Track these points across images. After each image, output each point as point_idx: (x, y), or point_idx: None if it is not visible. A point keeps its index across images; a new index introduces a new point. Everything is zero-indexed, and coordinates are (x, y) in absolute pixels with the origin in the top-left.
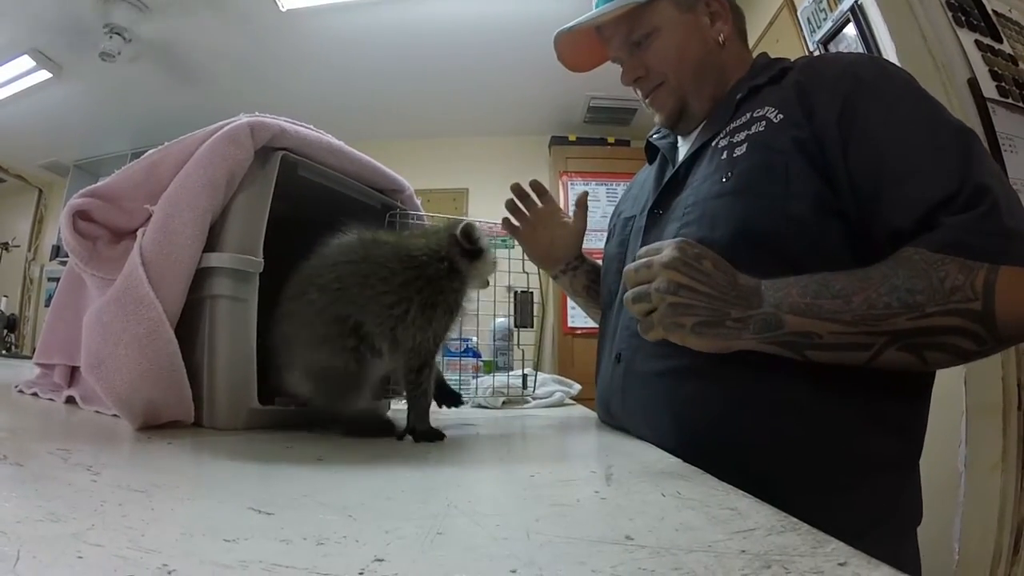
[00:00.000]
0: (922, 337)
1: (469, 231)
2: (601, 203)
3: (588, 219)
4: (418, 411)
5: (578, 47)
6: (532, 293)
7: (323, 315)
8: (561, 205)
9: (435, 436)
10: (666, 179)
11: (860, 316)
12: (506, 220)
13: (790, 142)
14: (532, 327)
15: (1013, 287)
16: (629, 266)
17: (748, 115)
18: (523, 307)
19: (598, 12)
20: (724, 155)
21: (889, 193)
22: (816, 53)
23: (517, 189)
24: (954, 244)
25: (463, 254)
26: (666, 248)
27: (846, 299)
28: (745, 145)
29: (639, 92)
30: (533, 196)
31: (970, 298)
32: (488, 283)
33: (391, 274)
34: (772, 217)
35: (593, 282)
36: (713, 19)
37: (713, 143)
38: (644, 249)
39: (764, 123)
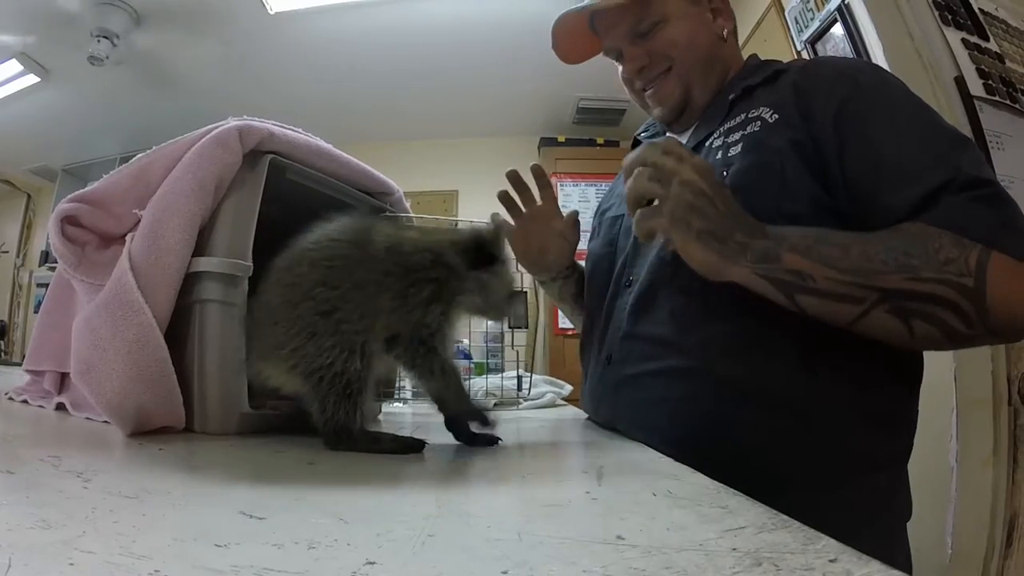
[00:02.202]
0: (913, 301)
1: (495, 236)
2: (591, 204)
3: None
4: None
5: (571, 37)
6: (526, 293)
7: (317, 309)
8: None
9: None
10: None
11: (856, 267)
12: (495, 216)
13: (786, 142)
14: (526, 328)
15: (1005, 278)
16: (654, 148)
17: (743, 115)
18: (516, 308)
19: None
20: (719, 155)
21: (886, 196)
22: (804, 53)
23: (514, 177)
24: (949, 220)
25: (474, 260)
26: (702, 161)
27: (844, 248)
28: (740, 145)
29: (639, 84)
30: (532, 190)
31: (963, 273)
32: (504, 313)
33: (385, 274)
34: (767, 216)
35: (583, 290)
36: (715, 15)
37: (707, 143)
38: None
39: (759, 123)
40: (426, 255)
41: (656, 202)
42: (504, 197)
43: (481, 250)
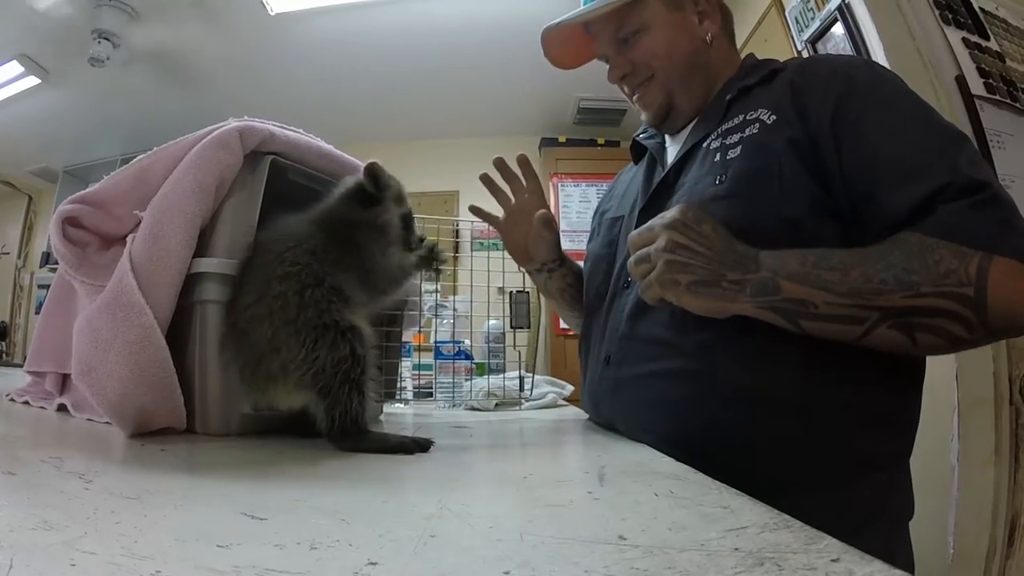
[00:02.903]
0: (914, 317)
1: (375, 172)
2: (591, 204)
3: (579, 221)
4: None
5: (565, 44)
6: (528, 293)
7: (317, 309)
8: (552, 207)
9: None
10: (656, 180)
11: (856, 289)
12: (474, 208)
13: (784, 143)
14: (529, 328)
15: (1006, 279)
16: (633, 232)
17: (741, 117)
18: (518, 308)
19: (586, 9)
20: (717, 157)
21: (884, 193)
22: (804, 52)
23: (500, 165)
24: (949, 228)
25: (362, 202)
26: (669, 212)
27: (843, 271)
28: (739, 147)
29: (626, 89)
30: (519, 175)
31: (963, 283)
32: (405, 242)
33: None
34: (767, 219)
35: (571, 285)
36: (701, 18)
37: (704, 144)
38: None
39: (758, 125)
40: (341, 223)
41: None
42: (487, 180)
43: (364, 192)
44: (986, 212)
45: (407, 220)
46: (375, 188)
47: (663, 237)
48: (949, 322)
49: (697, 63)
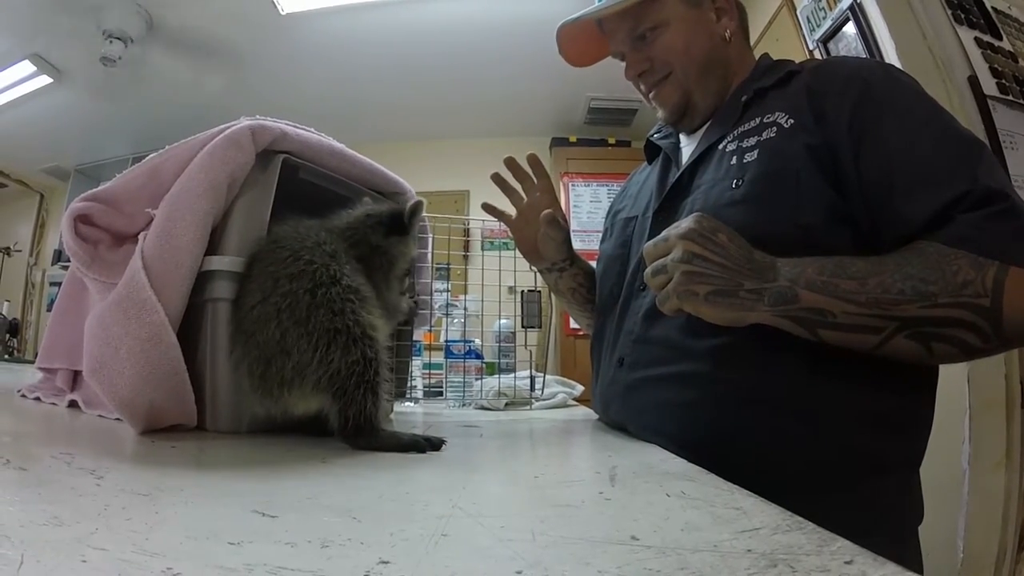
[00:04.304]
0: (931, 327)
1: (417, 210)
2: (603, 204)
3: (590, 221)
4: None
5: (579, 41)
6: (539, 293)
7: (330, 310)
8: (562, 206)
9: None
10: (671, 181)
11: (874, 299)
12: (487, 205)
13: (801, 148)
14: (539, 327)
15: (1021, 290)
16: (648, 243)
17: (758, 120)
18: (529, 307)
19: (603, 5)
20: (733, 160)
21: (901, 201)
22: (816, 52)
23: (511, 164)
24: (966, 239)
25: (388, 228)
26: (684, 222)
27: (861, 281)
28: (756, 151)
29: (643, 87)
30: (530, 174)
31: (980, 294)
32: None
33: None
34: (783, 225)
35: (581, 285)
36: (719, 15)
37: (720, 146)
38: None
39: (775, 129)
40: (362, 242)
41: None
42: (498, 179)
43: (394, 222)
44: (1004, 222)
45: (412, 266)
46: (408, 222)
47: (679, 248)
48: (964, 332)
49: (715, 60)
